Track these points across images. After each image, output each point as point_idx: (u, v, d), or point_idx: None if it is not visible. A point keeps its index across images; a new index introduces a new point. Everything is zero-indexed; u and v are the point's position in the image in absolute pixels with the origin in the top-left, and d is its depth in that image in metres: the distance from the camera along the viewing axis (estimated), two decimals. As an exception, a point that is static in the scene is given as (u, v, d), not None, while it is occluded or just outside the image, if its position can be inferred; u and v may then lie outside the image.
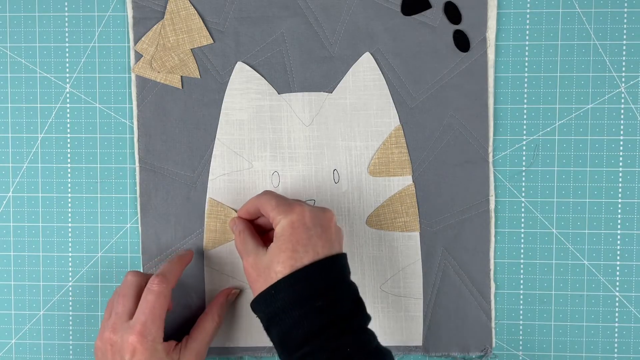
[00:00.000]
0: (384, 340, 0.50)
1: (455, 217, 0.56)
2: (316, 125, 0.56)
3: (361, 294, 0.49)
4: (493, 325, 0.56)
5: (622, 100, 0.55)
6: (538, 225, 0.56)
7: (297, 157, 0.56)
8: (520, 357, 0.57)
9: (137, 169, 0.57)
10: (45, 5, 0.57)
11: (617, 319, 0.56)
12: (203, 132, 0.56)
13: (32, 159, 0.57)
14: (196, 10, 0.56)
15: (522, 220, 0.56)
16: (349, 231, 0.56)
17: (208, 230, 0.56)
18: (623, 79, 0.55)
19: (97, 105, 0.57)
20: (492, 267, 0.56)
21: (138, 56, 0.56)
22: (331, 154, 0.56)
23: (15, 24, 0.57)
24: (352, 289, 0.48)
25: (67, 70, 0.57)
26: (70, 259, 0.58)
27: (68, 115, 0.57)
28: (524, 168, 0.56)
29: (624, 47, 0.55)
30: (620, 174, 0.56)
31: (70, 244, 0.57)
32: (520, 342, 0.57)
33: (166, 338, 0.51)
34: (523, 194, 0.56)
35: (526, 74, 0.56)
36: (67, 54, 0.57)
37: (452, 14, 0.55)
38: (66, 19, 0.57)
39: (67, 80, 0.57)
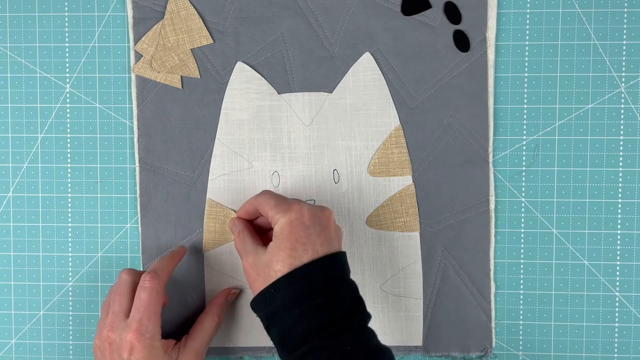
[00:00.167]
0: (383, 340, 0.50)
1: (455, 217, 0.56)
2: (316, 125, 0.56)
3: (361, 294, 0.49)
4: (493, 325, 0.56)
5: (622, 100, 0.55)
6: (538, 225, 0.56)
7: (297, 157, 0.56)
8: (520, 357, 0.57)
9: (137, 169, 0.57)
10: (45, 5, 0.57)
11: (617, 319, 0.56)
12: (203, 132, 0.56)
13: (32, 159, 0.57)
14: (196, 10, 0.56)
15: (522, 220, 0.56)
16: (349, 231, 0.56)
17: (207, 231, 0.56)
18: (623, 79, 0.55)
19: (97, 105, 0.57)
20: (492, 267, 0.56)
21: (138, 56, 0.56)
22: (331, 154, 0.56)
23: (15, 24, 0.57)
24: (352, 287, 0.48)
25: (67, 70, 0.57)
26: (70, 259, 0.58)
27: (68, 115, 0.57)
28: (524, 168, 0.56)
29: (624, 47, 0.55)
30: (620, 174, 0.56)
31: (70, 244, 0.57)
32: (520, 342, 0.57)
33: (165, 337, 0.51)
34: (523, 194, 0.56)
35: (526, 74, 0.56)
36: (67, 54, 0.57)
37: (452, 14, 0.55)
38: (66, 19, 0.57)
39: (67, 80, 0.57)
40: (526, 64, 0.56)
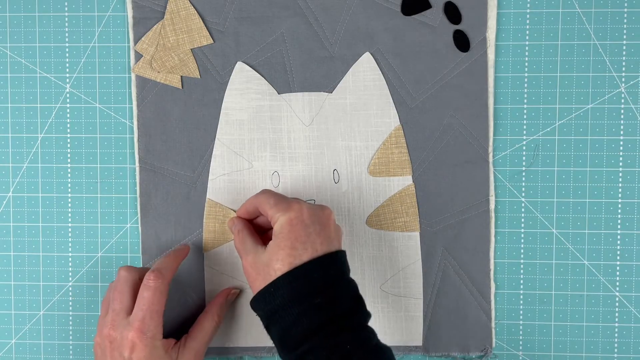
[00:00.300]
0: (383, 340, 0.50)
1: (455, 217, 0.56)
2: (316, 125, 0.56)
3: (361, 294, 0.49)
4: (493, 325, 0.56)
5: (622, 100, 0.55)
6: (538, 225, 0.56)
7: (297, 157, 0.56)
8: (520, 357, 0.57)
9: (137, 169, 0.57)
10: (45, 5, 0.57)
11: (617, 319, 0.56)
12: (203, 132, 0.56)
13: (32, 159, 0.57)
14: (196, 10, 0.56)
15: (522, 220, 0.56)
16: (349, 231, 0.56)
17: (207, 231, 0.56)
18: (623, 79, 0.55)
19: (97, 105, 0.57)
20: (492, 267, 0.56)
21: (138, 56, 0.56)
22: (331, 154, 0.56)
23: (15, 24, 0.57)
24: (352, 286, 0.48)
25: (67, 70, 0.57)
26: (70, 259, 0.58)
27: (68, 115, 0.57)
28: (524, 168, 0.56)
29: (624, 47, 0.55)
30: (620, 174, 0.56)
31: (70, 244, 0.57)
32: (520, 342, 0.57)
33: (166, 337, 0.51)
34: (523, 194, 0.56)
35: (526, 74, 0.56)
36: (67, 54, 0.57)
37: (452, 14, 0.55)
38: (66, 19, 0.57)
39: (67, 80, 0.57)
40: (526, 64, 0.56)
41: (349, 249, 0.56)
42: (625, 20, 0.55)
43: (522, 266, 0.56)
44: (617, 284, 0.56)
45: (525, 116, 0.56)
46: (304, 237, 0.47)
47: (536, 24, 0.55)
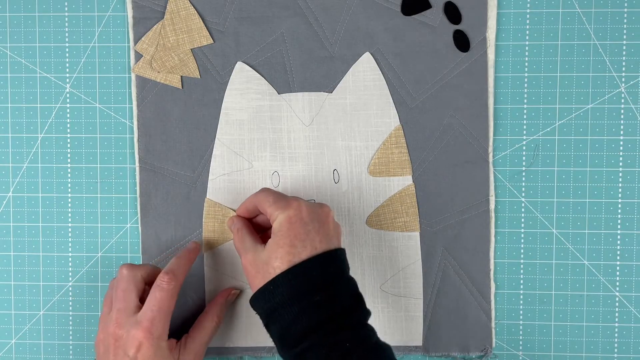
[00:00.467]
0: (383, 340, 0.50)
1: (455, 217, 0.56)
2: (316, 125, 0.56)
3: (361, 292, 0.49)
4: (493, 325, 0.56)
5: (622, 100, 0.55)
6: (538, 225, 0.56)
7: (297, 157, 0.56)
8: (520, 357, 0.57)
9: (137, 169, 0.57)
10: (45, 5, 0.57)
11: (617, 319, 0.56)
12: (203, 132, 0.56)
13: (32, 159, 0.57)
14: (196, 10, 0.56)
15: (522, 220, 0.56)
16: (349, 231, 0.56)
17: (206, 231, 0.56)
18: (623, 79, 0.55)
19: (97, 105, 0.57)
20: (492, 267, 0.56)
21: (138, 56, 0.56)
22: (331, 154, 0.56)
23: (15, 24, 0.57)
24: (351, 284, 0.48)
25: (67, 70, 0.57)
26: (70, 259, 0.58)
27: (68, 115, 0.57)
28: (524, 168, 0.56)
29: (624, 47, 0.55)
30: (620, 174, 0.56)
31: (70, 244, 0.57)
32: (520, 342, 0.57)
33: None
34: (523, 194, 0.56)
35: (526, 74, 0.56)
36: (67, 54, 0.57)
37: (452, 14, 0.55)
38: (66, 19, 0.57)
39: (67, 80, 0.57)
40: (526, 64, 0.56)
41: (349, 249, 0.56)
42: (625, 20, 0.55)
43: (522, 266, 0.56)
44: (617, 284, 0.56)
45: (525, 116, 0.56)
46: (303, 235, 0.47)
47: (536, 24, 0.55)
